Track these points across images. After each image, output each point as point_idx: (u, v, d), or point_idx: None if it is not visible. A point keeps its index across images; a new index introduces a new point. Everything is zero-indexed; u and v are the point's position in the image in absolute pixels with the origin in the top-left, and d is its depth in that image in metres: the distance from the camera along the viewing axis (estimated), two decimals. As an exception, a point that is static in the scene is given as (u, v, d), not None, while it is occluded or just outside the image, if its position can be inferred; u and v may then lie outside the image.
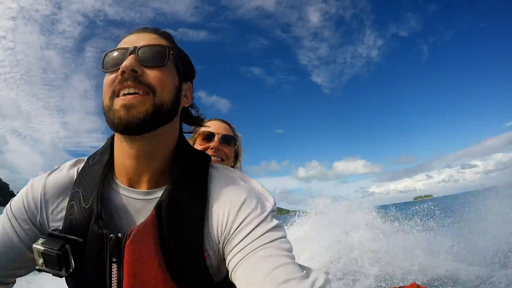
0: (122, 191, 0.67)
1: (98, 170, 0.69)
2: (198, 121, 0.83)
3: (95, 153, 0.75)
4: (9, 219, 0.68)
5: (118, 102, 0.61)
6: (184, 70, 0.73)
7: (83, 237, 0.62)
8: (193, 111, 0.83)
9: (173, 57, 0.68)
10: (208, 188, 0.67)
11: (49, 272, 0.63)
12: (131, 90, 0.61)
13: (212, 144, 1.37)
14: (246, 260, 0.58)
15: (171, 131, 0.70)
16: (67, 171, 0.73)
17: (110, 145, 0.72)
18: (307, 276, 0.56)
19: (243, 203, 0.64)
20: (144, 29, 0.71)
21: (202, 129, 1.38)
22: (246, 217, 0.62)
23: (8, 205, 0.70)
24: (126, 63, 0.61)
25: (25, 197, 0.69)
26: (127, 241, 0.59)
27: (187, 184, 0.65)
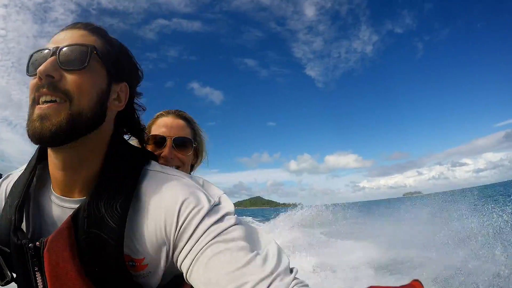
0: (55, 200, 0.66)
1: (23, 180, 0.68)
2: (135, 130, 0.77)
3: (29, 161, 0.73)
4: None
5: (36, 112, 0.58)
6: (118, 70, 0.67)
7: (9, 248, 0.63)
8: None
9: (97, 56, 0.62)
10: (139, 192, 0.63)
11: None
12: (48, 98, 0.58)
13: (163, 152, 1.11)
14: (197, 261, 0.56)
15: (99, 138, 0.65)
16: (12, 179, 0.73)
17: (38, 153, 0.70)
18: (263, 261, 0.54)
19: (182, 203, 0.60)
20: (74, 26, 0.65)
21: (153, 130, 1.16)
22: (186, 217, 0.59)
23: None
24: (41, 68, 0.57)
25: None
26: (44, 249, 0.58)
27: (109, 190, 0.61)
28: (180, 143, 1.14)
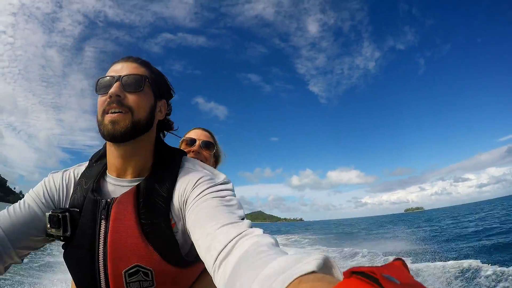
0: (112, 181, 0.88)
1: (98, 167, 0.92)
2: (169, 128, 1.03)
3: (95, 154, 0.98)
4: (33, 198, 0.87)
5: (107, 118, 0.81)
6: (159, 91, 0.92)
7: (81, 208, 0.84)
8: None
9: (148, 83, 0.87)
10: (177, 174, 0.87)
11: (54, 236, 0.83)
12: (116, 110, 0.81)
13: (193, 148, 1.60)
14: (193, 209, 0.75)
15: (148, 138, 0.90)
16: (77, 169, 0.96)
17: (105, 149, 0.92)
18: (245, 220, 0.67)
19: (199, 178, 0.82)
20: (128, 59, 0.89)
21: (186, 136, 1.68)
22: (199, 184, 0.81)
23: (29, 191, 0.90)
24: (112, 90, 0.80)
25: (47, 183, 0.91)
26: (113, 204, 0.81)
27: (161, 173, 0.86)
28: (206, 145, 1.65)
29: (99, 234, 0.80)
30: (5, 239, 0.77)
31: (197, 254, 0.84)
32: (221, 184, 0.82)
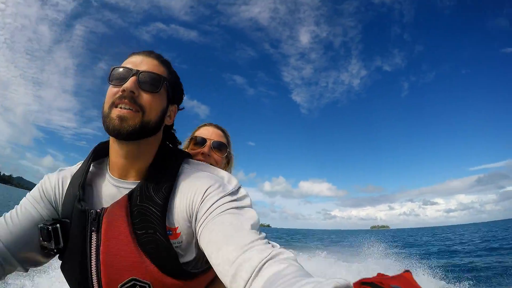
0: (113, 182, 0.83)
1: (82, 169, 0.86)
2: (172, 141, 0.99)
3: (96, 149, 0.90)
4: (30, 202, 0.85)
5: (115, 112, 0.76)
6: (174, 96, 0.89)
7: (71, 218, 0.79)
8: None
9: (165, 85, 0.83)
10: (178, 180, 0.81)
11: (47, 249, 0.79)
12: (127, 106, 0.76)
13: (202, 150, 1.42)
14: (206, 226, 0.71)
15: (154, 141, 0.86)
16: (74, 168, 0.91)
17: (93, 155, 0.88)
18: (262, 236, 0.65)
19: (209, 186, 0.77)
20: (149, 54, 0.85)
21: (196, 133, 1.49)
22: (209, 194, 0.76)
23: (26, 195, 0.88)
24: (127, 84, 0.76)
25: (43, 185, 0.88)
26: (104, 214, 0.76)
27: (157, 178, 0.80)
28: (217, 146, 1.45)
29: (91, 247, 0.77)
30: (5, 251, 0.77)
31: (205, 266, 0.86)
32: (232, 193, 0.78)
